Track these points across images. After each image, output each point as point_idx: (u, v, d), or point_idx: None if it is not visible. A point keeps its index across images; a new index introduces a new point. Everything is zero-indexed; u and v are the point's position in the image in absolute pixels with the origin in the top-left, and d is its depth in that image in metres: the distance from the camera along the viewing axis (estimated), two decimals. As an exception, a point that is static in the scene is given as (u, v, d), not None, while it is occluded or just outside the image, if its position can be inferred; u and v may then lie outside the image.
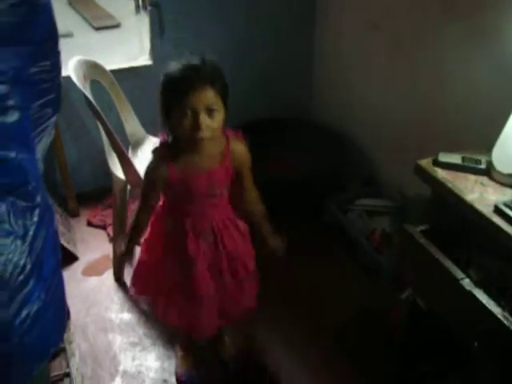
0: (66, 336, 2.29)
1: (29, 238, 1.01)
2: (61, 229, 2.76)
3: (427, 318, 1.82)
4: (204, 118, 1.51)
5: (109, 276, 2.67)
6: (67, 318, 2.38)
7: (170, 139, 1.65)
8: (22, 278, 0.98)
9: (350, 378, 2.13)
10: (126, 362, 2.22)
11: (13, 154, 1.12)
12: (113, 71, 2.60)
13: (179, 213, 1.76)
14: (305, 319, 2.39)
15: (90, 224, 3.03)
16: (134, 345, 2.30)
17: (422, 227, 1.71)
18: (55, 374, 2.14)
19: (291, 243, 2.79)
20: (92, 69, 2.44)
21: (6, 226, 0.97)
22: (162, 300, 1.91)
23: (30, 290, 1.00)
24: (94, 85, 2.46)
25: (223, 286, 1.86)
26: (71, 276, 2.66)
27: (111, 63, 2.68)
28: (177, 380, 2.13)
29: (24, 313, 0.98)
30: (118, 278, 2.65)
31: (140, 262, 1.94)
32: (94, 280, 2.66)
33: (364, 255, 2.65)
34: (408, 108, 2.65)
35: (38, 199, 1.06)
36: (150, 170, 1.69)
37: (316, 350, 2.25)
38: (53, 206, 1.21)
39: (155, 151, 1.68)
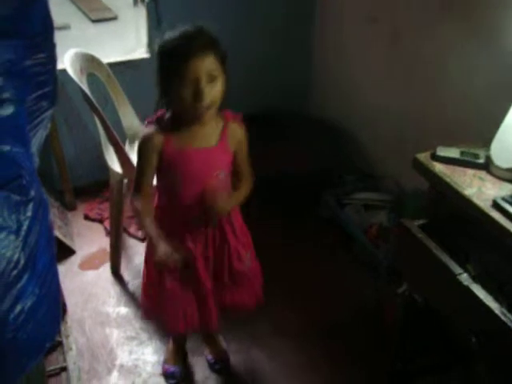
0: (62, 330, 2.29)
1: (22, 233, 1.00)
2: (57, 222, 2.75)
3: (424, 313, 1.81)
4: (205, 86, 1.46)
5: (106, 270, 2.66)
6: (64, 312, 2.38)
7: (166, 115, 1.61)
8: (15, 272, 0.97)
9: (346, 372, 2.13)
10: (123, 356, 2.21)
11: (7, 148, 1.11)
12: (110, 64, 2.59)
13: (173, 204, 1.71)
14: (301, 312, 2.39)
15: (86, 217, 3.02)
16: (130, 339, 2.29)
17: (420, 222, 1.70)
18: (52, 368, 2.14)
19: (287, 236, 2.81)
20: (89, 62, 2.43)
21: (0, 220, 0.96)
22: (168, 310, 1.86)
23: (23, 285, 0.99)
24: (91, 78, 2.44)
25: (219, 282, 1.85)
26: (68, 270, 2.65)
27: (108, 56, 2.66)
28: (163, 373, 2.13)
29: (18, 308, 0.97)
30: (115, 272, 2.64)
31: (145, 282, 1.91)
32: (90, 274, 2.65)
33: (361, 249, 2.64)
34: (406, 101, 2.64)
35: (32, 193, 1.05)
36: (144, 139, 1.62)
37: (311, 344, 2.25)
38: (48, 199, 1.20)
39: (149, 124, 1.62)
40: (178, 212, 1.72)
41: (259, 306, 1.98)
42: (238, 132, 1.68)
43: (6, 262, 0.94)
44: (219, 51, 1.50)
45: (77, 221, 3.01)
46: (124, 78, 2.63)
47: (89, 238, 2.87)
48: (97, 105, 2.16)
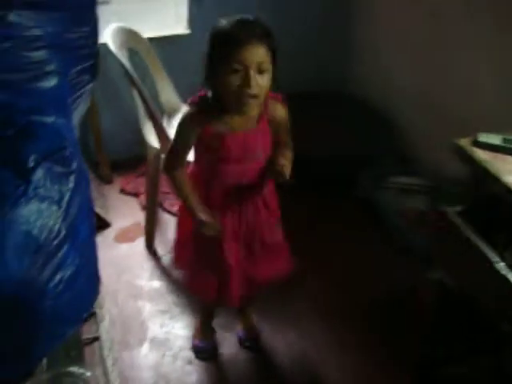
0: (96, 301, 2.33)
1: (64, 204, 1.01)
2: (94, 195, 2.79)
3: (456, 299, 1.79)
4: (254, 76, 1.46)
5: (140, 243, 2.70)
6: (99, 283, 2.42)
7: (210, 96, 1.60)
8: (56, 242, 0.99)
9: (375, 355, 2.13)
10: (155, 329, 2.25)
11: (51, 119, 1.12)
12: (150, 39, 2.59)
13: (208, 180, 1.72)
14: (333, 293, 2.39)
15: (122, 191, 3.06)
16: (162, 312, 2.33)
17: (458, 208, 1.67)
18: (85, 337, 2.19)
19: (322, 216, 2.81)
20: (129, 36, 2.44)
21: (42, 190, 0.98)
22: (193, 272, 1.92)
23: (64, 255, 1.01)
24: (131, 52, 2.45)
25: (251, 254, 1.85)
26: (103, 242, 2.69)
27: (148, 31, 2.66)
28: (192, 347, 2.16)
29: (57, 277, 0.99)
30: (149, 246, 2.67)
31: (176, 238, 1.94)
32: (125, 247, 2.69)
33: (396, 233, 2.62)
34: (447, 85, 2.59)
35: (74, 165, 1.07)
36: (185, 118, 1.63)
37: (342, 325, 2.25)
38: (87, 172, 1.22)
39: (192, 103, 1.63)
40: (212, 187, 1.73)
41: (291, 275, 1.97)
42: (278, 112, 1.67)
43: (48, 231, 0.96)
44: (272, 45, 1.49)
45: (113, 194, 3.05)
46: (163, 54, 2.64)
47: (124, 212, 2.91)
48: (136, 79, 2.17)
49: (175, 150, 1.71)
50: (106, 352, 2.11)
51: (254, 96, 1.49)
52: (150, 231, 2.64)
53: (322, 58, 3.33)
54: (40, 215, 0.95)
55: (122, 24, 2.41)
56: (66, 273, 1.02)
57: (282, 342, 2.19)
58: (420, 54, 2.78)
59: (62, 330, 1.07)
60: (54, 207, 0.99)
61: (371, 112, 3.16)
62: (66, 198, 1.03)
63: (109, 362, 2.07)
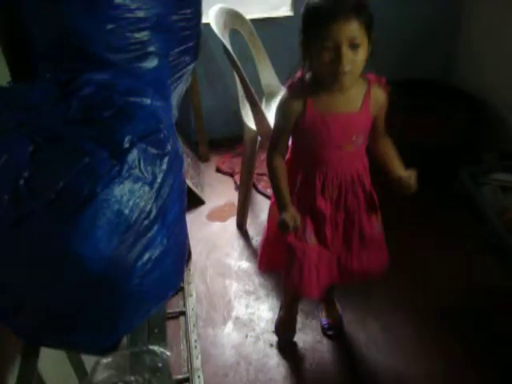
0: (185, 276, 2.40)
1: (156, 185, 1.03)
2: (190, 172, 2.85)
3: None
4: (346, 52, 1.40)
5: (232, 223, 2.74)
6: (188, 259, 2.49)
7: (307, 75, 1.56)
8: (147, 222, 1.01)
9: (458, 359, 2.04)
10: (240, 309, 2.28)
11: (147, 101, 1.15)
12: (253, 20, 2.59)
13: (307, 166, 1.68)
14: (419, 289, 2.32)
15: (218, 170, 3.11)
16: (248, 293, 2.35)
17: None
18: (171, 310, 2.26)
19: (417, 210, 2.72)
20: (232, 17, 2.45)
21: (136, 171, 1.00)
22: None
23: (153, 235, 1.03)
24: (233, 33, 2.47)
25: (348, 246, 1.81)
26: (196, 219, 2.76)
27: (251, 12, 2.66)
28: (275, 332, 2.17)
29: (146, 256, 1.02)
30: (241, 226, 2.70)
31: (265, 238, 1.92)
32: (217, 225, 2.74)
33: (492, 232, 2.50)
34: None
35: (169, 147, 1.08)
36: (284, 101, 1.59)
37: (423, 322, 2.18)
38: (184, 149, 1.24)
39: (291, 86, 1.59)
40: (309, 175, 1.69)
41: (384, 274, 1.91)
42: (381, 96, 1.61)
43: (139, 211, 0.99)
44: (365, 18, 1.42)
45: (209, 172, 3.12)
46: (266, 36, 2.63)
47: (218, 191, 2.96)
48: (237, 60, 2.18)
49: (275, 137, 1.68)
50: (191, 327, 2.17)
51: (347, 73, 1.44)
52: (242, 211, 2.67)
53: (428, 49, 3.22)
54: (132, 195, 0.98)
55: (225, 5, 2.42)
56: (155, 252, 1.04)
57: (364, 333, 2.16)
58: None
59: (146, 308, 1.10)
60: (147, 188, 1.01)
61: (475, 106, 3.01)
62: (159, 179, 1.05)
63: (193, 337, 2.12)
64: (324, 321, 2.18)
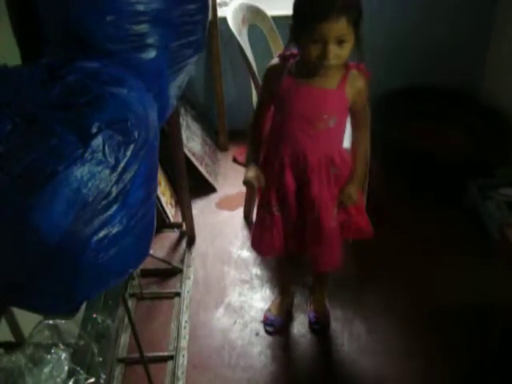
0: (186, 259, 2.50)
1: (118, 169, 1.12)
2: (205, 160, 2.95)
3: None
4: (333, 48, 1.50)
5: (239, 213, 2.82)
6: (191, 244, 2.58)
7: (296, 57, 1.69)
8: (105, 202, 1.10)
9: (439, 366, 2.07)
10: (233, 296, 2.37)
11: (125, 91, 1.23)
12: (273, 17, 2.65)
13: (280, 141, 1.76)
14: (413, 295, 2.36)
15: (235, 160, 3.20)
16: (244, 282, 2.44)
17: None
18: (168, 291, 2.37)
19: (422, 217, 2.73)
20: (253, 13, 2.52)
21: (100, 155, 1.09)
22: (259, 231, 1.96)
23: (111, 215, 1.12)
24: (254, 28, 2.53)
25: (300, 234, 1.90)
26: (205, 206, 2.85)
27: (272, 9, 2.71)
28: (263, 320, 2.24)
29: (102, 233, 1.11)
30: (247, 217, 2.78)
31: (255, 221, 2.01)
32: (225, 214, 2.83)
33: (494, 247, 2.49)
34: None
35: (135, 135, 1.17)
36: (269, 66, 1.75)
37: (412, 328, 2.22)
38: (157, 142, 1.32)
39: (280, 55, 1.74)
40: (283, 147, 1.77)
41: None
42: (358, 81, 1.68)
43: (98, 191, 1.08)
44: (354, 15, 1.50)
45: (225, 162, 3.20)
46: (286, 32, 2.66)
47: (232, 180, 3.05)
48: (248, 56, 2.25)
49: (259, 103, 1.85)
50: (183, 308, 2.27)
51: (331, 65, 1.56)
52: (249, 203, 2.75)
53: (455, 60, 3.22)
54: (92, 177, 1.07)
55: (247, 1, 2.49)
56: (112, 230, 1.13)
57: (349, 332, 2.21)
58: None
59: (105, 280, 1.19)
60: (107, 171, 1.09)
61: (497, 120, 2.98)
62: (122, 164, 1.13)
63: (184, 318, 2.23)
64: (311, 314, 2.25)
